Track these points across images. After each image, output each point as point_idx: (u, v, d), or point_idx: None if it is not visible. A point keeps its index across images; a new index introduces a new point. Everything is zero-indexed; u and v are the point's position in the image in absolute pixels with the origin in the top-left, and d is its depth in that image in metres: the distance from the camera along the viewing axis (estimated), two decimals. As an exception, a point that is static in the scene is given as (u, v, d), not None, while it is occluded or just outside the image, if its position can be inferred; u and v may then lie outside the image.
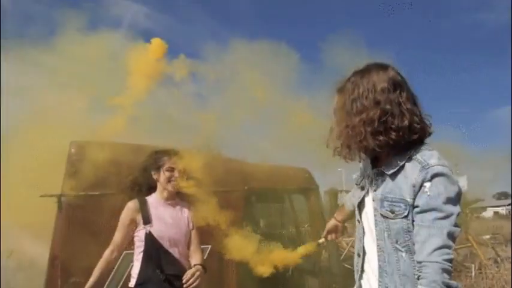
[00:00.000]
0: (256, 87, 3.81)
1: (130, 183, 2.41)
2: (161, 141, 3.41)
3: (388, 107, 1.30)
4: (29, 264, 3.30)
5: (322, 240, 2.15)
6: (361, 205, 1.54)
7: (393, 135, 1.30)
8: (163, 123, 3.86)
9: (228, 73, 3.85)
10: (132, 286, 2.27)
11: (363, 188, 1.53)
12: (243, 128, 3.83)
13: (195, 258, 2.38)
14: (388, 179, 1.37)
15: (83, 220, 3.12)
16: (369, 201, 1.49)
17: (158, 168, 2.36)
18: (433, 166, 1.26)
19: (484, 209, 37.70)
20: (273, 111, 4.01)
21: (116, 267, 3.17)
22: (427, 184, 1.26)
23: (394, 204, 1.33)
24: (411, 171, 1.30)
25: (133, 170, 2.44)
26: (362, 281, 1.53)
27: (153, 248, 2.24)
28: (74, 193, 3.12)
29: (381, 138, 1.30)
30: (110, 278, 3.16)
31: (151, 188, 2.41)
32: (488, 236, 11.18)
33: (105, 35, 3.59)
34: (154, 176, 2.37)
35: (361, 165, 1.57)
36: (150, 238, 2.25)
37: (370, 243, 1.48)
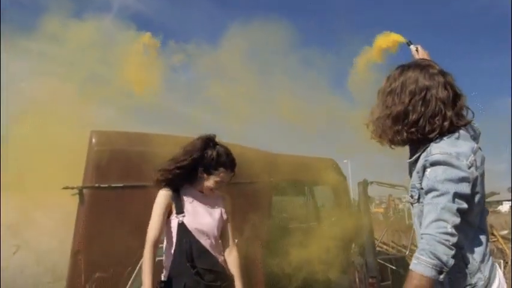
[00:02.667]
0: (254, 76, 3.68)
1: (178, 173, 2.20)
2: (156, 131, 3.32)
3: (409, 108, 1.47)
4: (37, 261, 3.19)
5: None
6: None
7: (404, 135, 1.48)
8: (158, 112, 3.75)
9: (225, 60, 3.73)
10: (165, 279, 2.14)
11: None
12: (240, 118, 3.71)
13: (232, 261, 2.28)
14: (412, 169, 1.54)
15: (106, 213, 3.00)
16: None
17: (209, 173, 2.19)
18: (433, 155, 1.41)
19: (500, 203, 37.07)
20: (271, 99, 3.88)
21: (140, 262, 3.06)
22: (428, 169, 1.42)
23: (412, 190, 1.51)
24: (420, 159, 1.47)
25: (178, 160, 2.20)
26: None
27: (186, 239, 2.12)
28: (96, 185, 3.00)
29: (398, 136, 1.49)
30: (134, 273, 3.04)
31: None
32: (505, 232, 10.89)
33: (94, 20, 3.46)
34: (200, 174, 2.20)
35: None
36: (182, 229, 2.13)
37: None
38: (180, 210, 2.15)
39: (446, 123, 1.45)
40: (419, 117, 1.46)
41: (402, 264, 4.00)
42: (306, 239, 3.93)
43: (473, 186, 1.40)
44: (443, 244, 1.31)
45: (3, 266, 2.94)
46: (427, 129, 1.46)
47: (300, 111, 3.82)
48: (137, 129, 3.39)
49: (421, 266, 1.32)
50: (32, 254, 3.17)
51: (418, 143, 1.51)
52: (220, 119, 3.86)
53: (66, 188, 2.96)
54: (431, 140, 1.46)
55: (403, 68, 1.55)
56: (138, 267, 3.04)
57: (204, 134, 2.26)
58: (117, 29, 3.57)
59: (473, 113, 1.53)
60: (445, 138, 1.45)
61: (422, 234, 1.36)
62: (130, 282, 3.00)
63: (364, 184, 3.30)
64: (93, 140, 3.04)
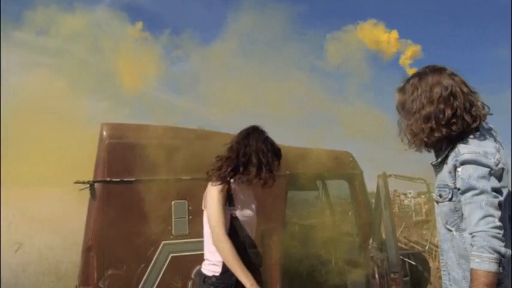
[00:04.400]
0: (249, 66, 3.59)
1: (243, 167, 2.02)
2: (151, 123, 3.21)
3: (441, 106, 1.52)
4: (39, 259, 3.10)
5: None
6: None
7: (443, 131, 1.52)
8: (153, 104, 3.67)
9: (219, 52, 3.63)
10: (217, 273, 1.96)
11: None
12: (237, 109, 3.62)
13: None
14: (437, 169, 1.61)
15: (118, 208, 2.90)
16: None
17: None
18: (462, 154, 1.48)
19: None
20: (266, 90, 3.80)
21: (154, 258, 2.97)
22: (459, 169, 1.47)
23: (441, 189, 1.56)
24: (450, 159, 1.53)
25: (266, 155, 2.04)
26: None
27: (242, 234, 2.00)
28: (108, 179, 2.90)
29: (436, 134, 1.53)
30: (148, 270, 2.94)
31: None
32: None
33: (86, 11, 3.37)
34: (252, 167, 2.05)
35: None
36: (237, 223, 2.01)
37: None
38: (232, 203, 2.02)
39: (484, 112, 1.54)
40: (454, 111, 1.51)
41: (420, 259, 3.90)
42: (322, 234, 3.83)
43: (500, 182, 1.48)
44: (497, 238, 1.37)
45: (4, 264, 2.85)
46: (467, 120, 1.51)
47: (295, 103, 3.76)
48: (130, 121, 3.28)
49: (485, 263, 1.35)
50: (34, 252, 3.09)
51: (441, 144, 1.58)
52: (215, 110, 3.77)
53: (77, 182, 2.87)
54: (455, 141, 1.53)
55: (420, 76, 1.62)
56: (151, 264, 2.95)
57: (252, 125, 2.15)
58: (110, 19, 3.49)
59: (488, 107, 1.59)
60: (470, 138, 1.53)
61: (473, 232, 1.40)
62: (144, 279, 2.91)
63: (384, 177, 3.19)
64: (104, 133, 2.95)
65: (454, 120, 1.51)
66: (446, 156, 1.55)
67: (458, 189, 1.48)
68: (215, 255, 1.98)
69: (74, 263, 3.05)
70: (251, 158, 2.01)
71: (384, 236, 3.53)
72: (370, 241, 3.51)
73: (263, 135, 2.11)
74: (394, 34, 3.63)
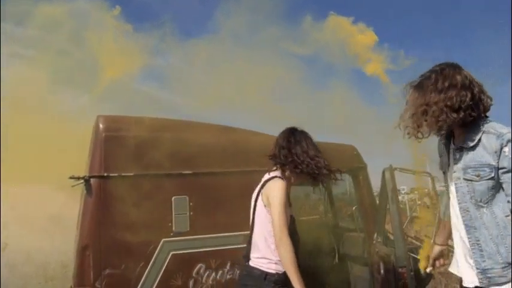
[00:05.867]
0: (244, 60, 3.52)
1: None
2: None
3: (463, 92, 1.64)
4: (26, 260, 2.95)
5: (430, 268, 2.10)
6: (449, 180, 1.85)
7: (462, 113, 1.63)
8: (141, 99, 3.56)
9: (216, 44, 3.54)
10: (280, 272, 1.97)
11: (444, 172, 1.89)
12: (230, 103, 3.52)
13: None
14: (466, 152, 1.69)
15: (115, 205, 2.75)
16: (451, 173, 1.79)
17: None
18: (505, 134, 1.60)
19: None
20: (252, 84, 3.73)
21: (154, 257, 2.83)
22: (506, 148, 1.58)
23: (479, 169, 1.64)
24: (488, 141, 1.63)
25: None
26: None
27: (294, 233, 2.02)
28: (105, 174, 2.76)
29: (455, 115, 1.63)
30: (147, 269, 2.81)
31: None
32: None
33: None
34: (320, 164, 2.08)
35: (440, 158, 1.92)
36: (293, 222, 2.04)
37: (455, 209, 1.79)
38: (290, 203, 2.05)
39: (491, 103, 1.70)
40: (473, 97, 1.65)
41: (424, 254, 3.83)
42: (325, 229, 3.74)
43: None
44: None
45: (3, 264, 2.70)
46: (481, 108, 1.66)
47: (281, 95, 3.69)
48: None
49: None
50: (22, 252, 2.94)
51: (450, 130, 1.72)
52: (197, 103, 3.70)
53: (72, 177, 2.72)
54: (478, 120, 1.65)
55: (439, 70, 1.71)
56: (151, 263, 2.82)
57: (292, 126, 2.19)
58: (90, 8, 3.36)
59: (491, 99, 1.73)
60: (492, 121, 1.67)
61: None
62: (143, 278, 2.78)
63: (391, 170, 3.10)
64: (101, 125, 2.80)
65: (473, 101, 1.64)
66: (479, 140, 1.65)
67: (502, 168, 1.59)
68: (275, 253, 1.98)
69: (63, 262, 2.91)
70: (316, 157, 2.04)
71: (388, 231, 3.45)
72: (375, 236, 3.43)
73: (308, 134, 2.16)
74: (371, 36, 3.33)
